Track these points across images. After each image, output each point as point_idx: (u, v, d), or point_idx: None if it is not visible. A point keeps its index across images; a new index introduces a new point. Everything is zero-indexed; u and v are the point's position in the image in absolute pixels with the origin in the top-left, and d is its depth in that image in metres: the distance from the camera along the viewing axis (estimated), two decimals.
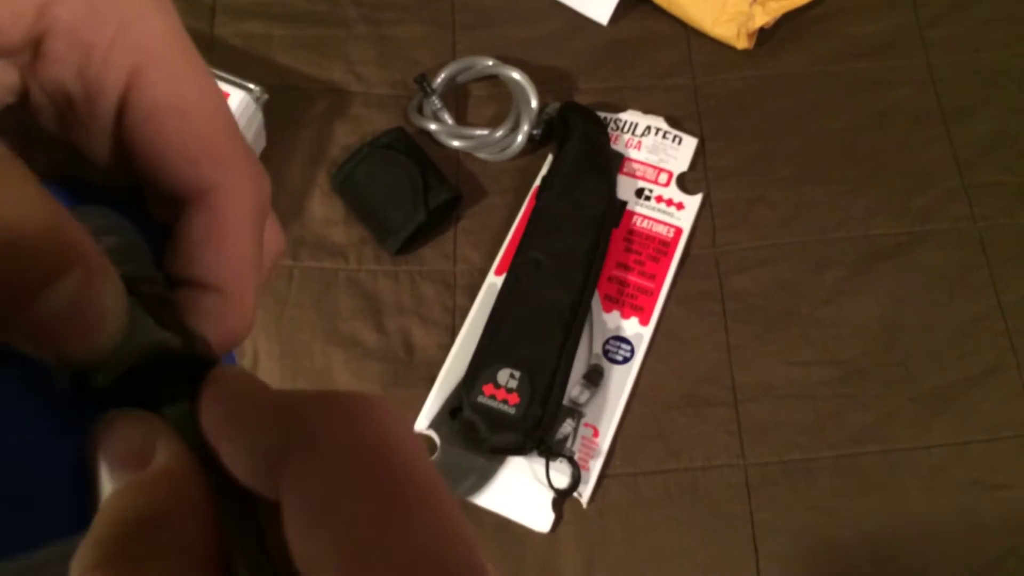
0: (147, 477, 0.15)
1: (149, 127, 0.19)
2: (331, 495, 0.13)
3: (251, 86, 0.74)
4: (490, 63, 0.80)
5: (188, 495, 0.15)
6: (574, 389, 0.69)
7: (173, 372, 0.17)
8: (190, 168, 0.19)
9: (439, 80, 0.80)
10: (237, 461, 0.15)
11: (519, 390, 0.66)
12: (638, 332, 0.71)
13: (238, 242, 0.19)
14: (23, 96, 0.19)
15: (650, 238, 0.75)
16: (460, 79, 0.82)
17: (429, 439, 0.68)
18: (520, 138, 0.77)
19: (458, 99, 0.82)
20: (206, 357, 0.18)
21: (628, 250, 0.74)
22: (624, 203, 0.76)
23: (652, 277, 0.73)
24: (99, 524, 0.14)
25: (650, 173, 0.77)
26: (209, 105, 0.19)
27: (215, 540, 0.15)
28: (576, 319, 0.69)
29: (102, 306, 0.15)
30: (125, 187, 0.20)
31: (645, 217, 0.75)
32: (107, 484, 0.15)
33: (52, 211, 0.15)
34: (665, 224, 0.75)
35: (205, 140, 0.19)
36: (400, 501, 0.13)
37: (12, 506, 0.16)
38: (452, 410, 0.68)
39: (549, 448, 0.66)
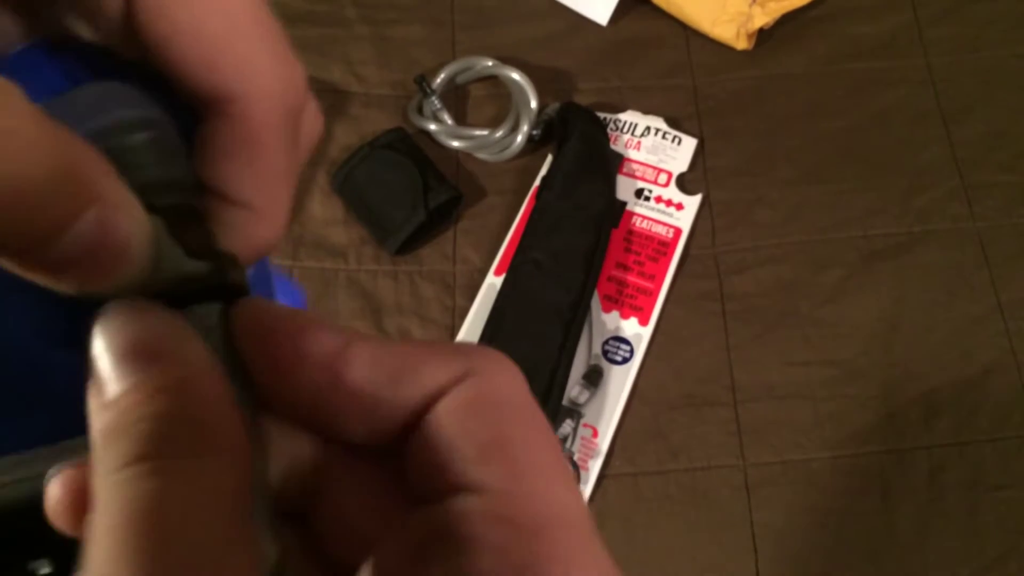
0: (180, 375, 0.14)
1: (161, 27, 0.17)
2: (506, 428, 0.16)
3: None
4: (490, 63, 0.81)
5: (219, 398, 0.15)
6: (573, 389, 0.69)
7: (199, 294, 0.16)
8: (209, 74, 0.17)
9: (439, 80, 0.80)
10: (374, 381, 0.15)
11: None
12: (637, 332, 0.71)
13: (265, 154, 0.18)
14: None
15: (649, 238, 0.75)
16: (460, 79, 0.82)
17: None
18: (520, 138, 0.77)
19: (458, 99, 0.82)
20: (235, 283, 0.17)
21: (628, 250, 0.74)
22: (623, 203, 0.76)
23: (651, 277, 0.73)
24: (131, 420, 0.14)
25: (649, 173, 0.77)
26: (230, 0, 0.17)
27: (244, 446, 0.15)
28: (575, 319, 0.69)
29: (123, 244, 0.15)
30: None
31: (644, 217, 0.75)
32: (113, 377, 0.14)
33: (63, 148, 0.14)
34: (664, 224, 0.75)
35: (226, 41, 0.17)
36: (556, 447, 0.16)
37: (9, 411, 0.16)
38: None
39: None
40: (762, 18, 0.80)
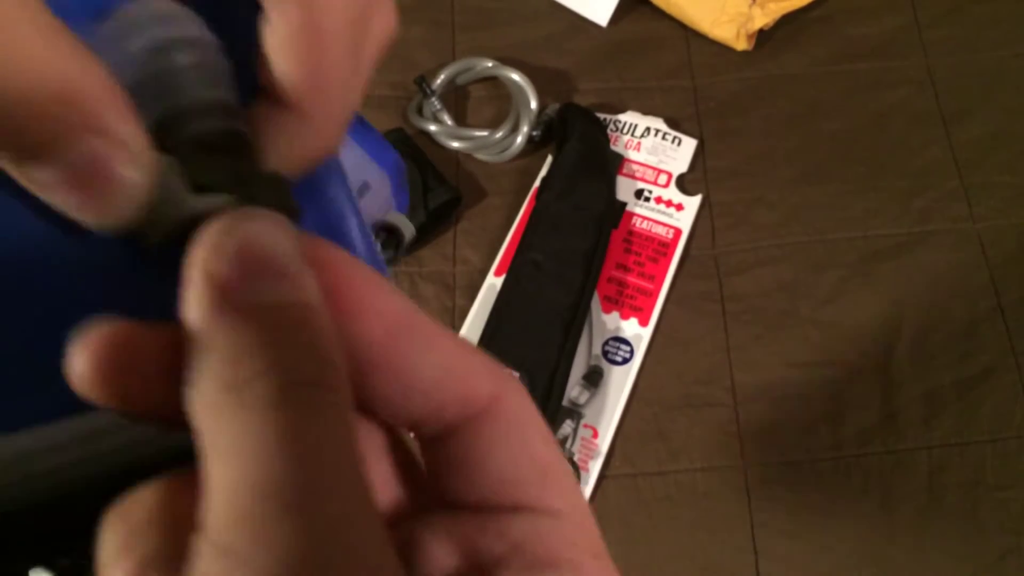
0: (309, 299, 0.14)
1: None
2: (550, 454, 0.16)
3: None
4: (490, 64, 0.81)
5: (332, 330, 0.14)
6: (573, 390, 0.69)
7: None
8: None
9: (439, 81, 0.80)
10: (426, 367, 0.15)
11: None
12: (637, 333, 0.71)
13: (326, 60, 0.17)
14: None
15: (649, 239, 0.75)
16: (460, 80, 0.82)
17: None
18: (520, 139, 0.77)
19: (458, 100, 0.82)
20: (283, 207, 0.16)
21: (627, 251, 0.74)
22: (623, 204, 0.76)
23: (651, 278, 0.73)
24: (270, 336, 0.13)
25: (649, 174, 0.77)
26: None
27: (349, 387, 0.14)
28: (575, 320, 0.69)
29: (114, 182, 0.14)
30: None
31: (644, 218, 0.75)
32: (246, 287, 0.13)
33: (72, 73, 0.13)
34: (664, 225, 0.75)
35: None
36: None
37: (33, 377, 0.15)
38: None
39: None
40: (762, 19, 0.80)
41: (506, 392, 0.16)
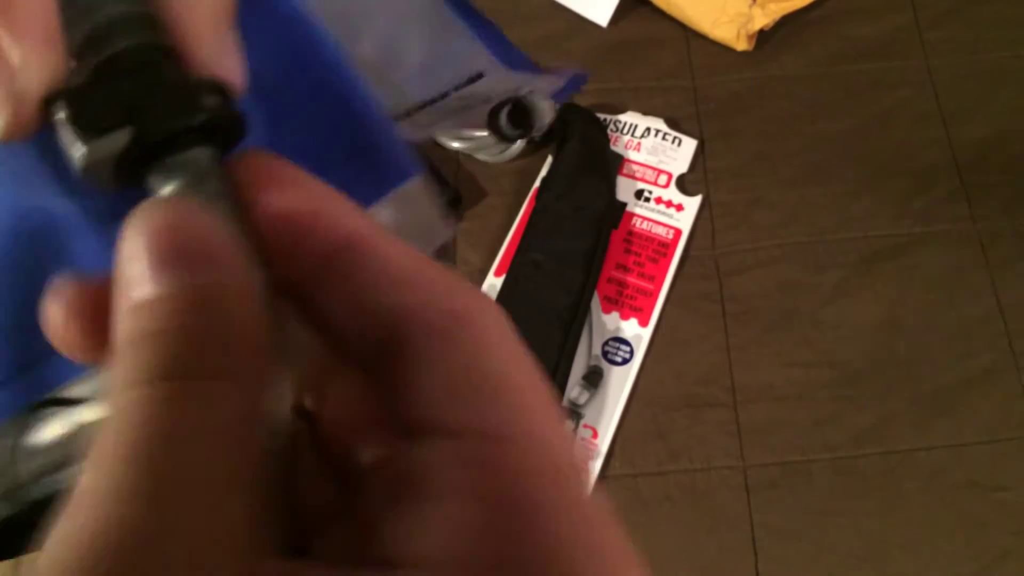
0: (217, 282, 0.13)
1: None
2: (490, 355, 0.15)
3: None
4: None
5: (249, 306, 0.13)
6: (573, 390, 0.69)
7: (183, 140, 0.15)
8: None
9: None
10: (387, 281, 0.14)
11: None
12: (637, 333, 0.71)
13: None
14: None
15: (649, 239, 0.75)
16: None
17: None
18: (520, 140, 0.77)
19: None
20: (225, 117, 0.16)
21: (627, 251, 0.74)
22: (623, 204, 0.76)
23: (651, 278, 0.73)
24: (158, 328, 0.12)
25: (649, 174, 0.77)
26: None
27: (263, 369, 0.13)
28: (575, 320, 0.69)
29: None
30: None
31: (644, 218, 0.75)
32: (146, 278, 0.13)
33: None
34: (664, 225, 0.75)
35: None
36: (547, 389, 0.16)
37: None
38: None
39: None
40: (762, 19, 0.80)
41: (471, 310, 0.15)
